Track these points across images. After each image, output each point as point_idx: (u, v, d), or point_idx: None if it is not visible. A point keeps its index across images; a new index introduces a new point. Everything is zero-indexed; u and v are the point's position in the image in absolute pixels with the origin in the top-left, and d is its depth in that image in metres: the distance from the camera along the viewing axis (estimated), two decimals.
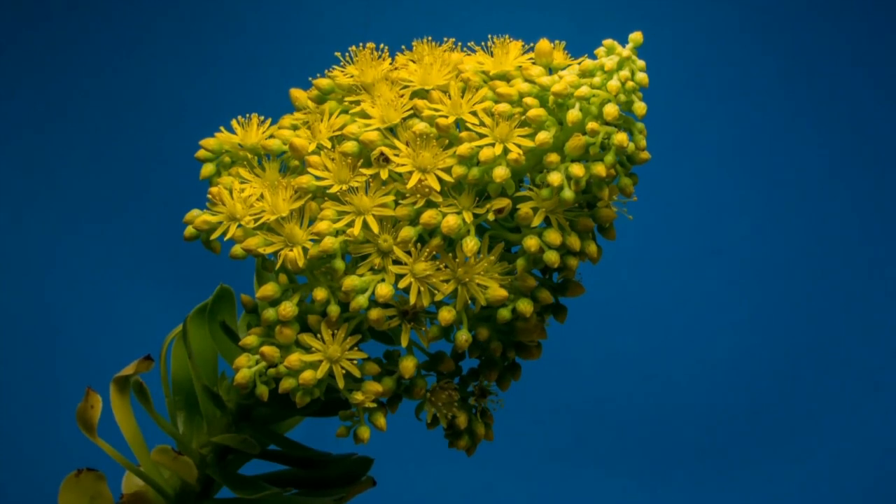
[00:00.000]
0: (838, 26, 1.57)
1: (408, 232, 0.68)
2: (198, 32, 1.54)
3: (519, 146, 0.68)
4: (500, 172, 0.68)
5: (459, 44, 0.75)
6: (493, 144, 0.68)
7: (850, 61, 1.57)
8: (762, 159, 1.57)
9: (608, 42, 0.70)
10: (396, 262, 0.69)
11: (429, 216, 0.68)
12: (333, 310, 0.69)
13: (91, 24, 1.52)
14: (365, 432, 0.71)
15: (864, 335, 1.54)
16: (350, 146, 0.70)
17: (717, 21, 1.56)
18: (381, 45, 0.75)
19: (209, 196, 0.73)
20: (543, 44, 0.72)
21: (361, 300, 0.68)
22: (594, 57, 0.70)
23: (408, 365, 0.71)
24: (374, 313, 0.68)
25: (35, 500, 1.42)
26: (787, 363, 1.53)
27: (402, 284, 0.68)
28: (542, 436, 1.52)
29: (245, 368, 0.70)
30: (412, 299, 0.68)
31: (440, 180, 0.68)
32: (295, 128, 0.75)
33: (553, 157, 0.68)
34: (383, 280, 0.69)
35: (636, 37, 0.70)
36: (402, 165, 0.69)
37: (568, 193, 0.68)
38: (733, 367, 1.53)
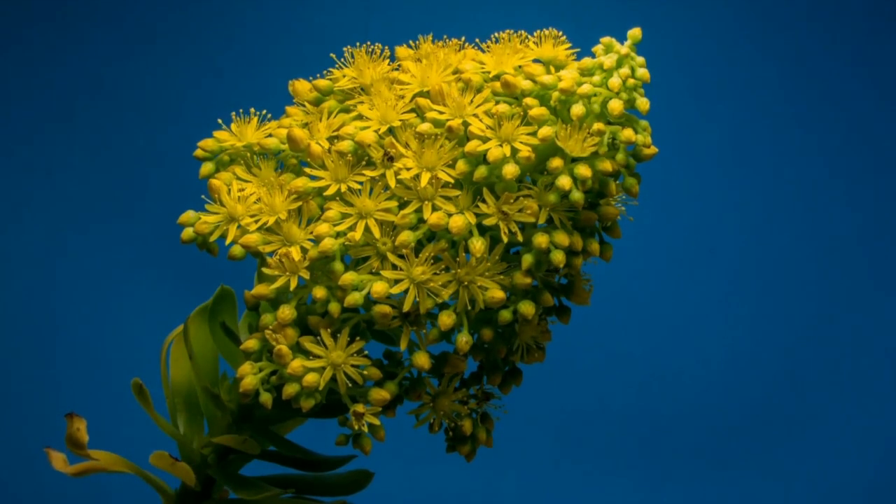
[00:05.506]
0: (837, 27, 1.57)
1: (406, 236, 0.68)
2: (198, 32, 1.53)
3: (525, 145, 0.67)
4: (511, 170, 0.67)
5: (467, 45, 0.74)
6: (500, 145, 0.67)
7: (850, 62, 1.57)
8: (761, 159, 1.57)
9: (606, 40, 0.69)
10: (393, 266, 0.68)
11: (437, 218, 0.67)
12: (335, 307, 0.68)
13: (92, 24, 1.52)
14: (367, 443, 0.71)
15: (863, 334, 1.54)
16: (345, 145, 0.70)
17: (716, 21, 1.56)
18: (377, 45, 0.75)
19: (210, 189, 0.72)
20: (547, 49, 0.72)
21: (357, 297, 0.67)
22: (593, 55, 0.70)
23: (422, 359, 0.69)
24: (380, 309, 0.68)
25: (36, 501, 1.42)
26: (787, 363, 1.53)
27: (398, 289, 0.67)
28: (541, 436, 1.51)
29: (250, 375, 0.70)
30: (407, 305, 0.67)
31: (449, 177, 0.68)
32: None
33: (557, 162, 0.67)
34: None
35: (635, 33, 0.69)
36: (409, 170, 0.68)
37: (577, 195, 0.67)
38: (733, 367, 1.53)
